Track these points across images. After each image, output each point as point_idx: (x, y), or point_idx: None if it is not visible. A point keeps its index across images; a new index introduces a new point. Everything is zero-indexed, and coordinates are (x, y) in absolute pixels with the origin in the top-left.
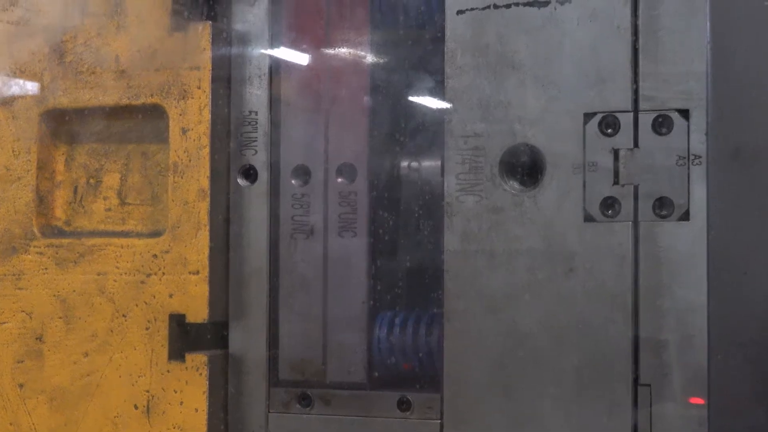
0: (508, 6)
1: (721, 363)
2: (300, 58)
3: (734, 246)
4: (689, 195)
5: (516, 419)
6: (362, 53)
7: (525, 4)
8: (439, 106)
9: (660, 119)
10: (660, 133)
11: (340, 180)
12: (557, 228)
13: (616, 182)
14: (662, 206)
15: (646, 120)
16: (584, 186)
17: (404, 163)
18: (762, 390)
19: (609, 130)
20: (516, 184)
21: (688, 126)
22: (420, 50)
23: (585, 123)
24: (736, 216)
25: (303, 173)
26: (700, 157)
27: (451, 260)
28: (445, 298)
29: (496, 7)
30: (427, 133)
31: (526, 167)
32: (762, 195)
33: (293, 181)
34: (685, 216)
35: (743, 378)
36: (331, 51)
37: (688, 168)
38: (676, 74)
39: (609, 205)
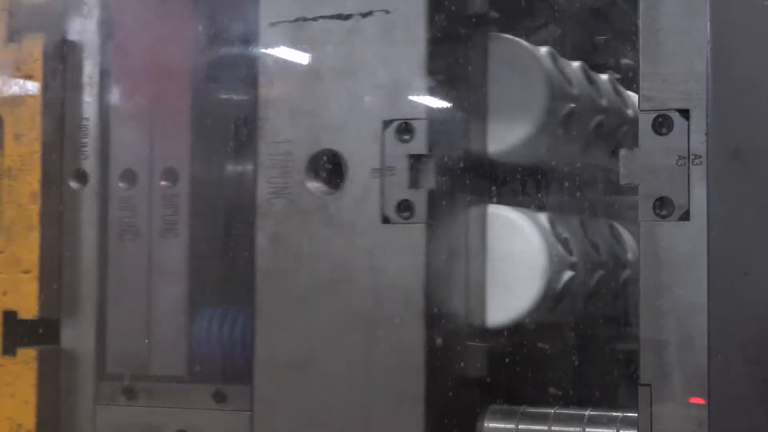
0: (315, 19)
1: (721, 363)
2: (127, 67)
3: (734, 246)
4: (689, 195)
5: (319, 409)
6: (185, 62)
7: (330, 17)
8: (255, 114)
9: (660, 119)
10: (660, 133)
11: (163, 183)
12: (358, 229)
13: (411, 186)
14: (662, 206)
15: (646, 120)
16: (382, 189)
17: (223, 167)
18: (762, 390)
19: (406, 137)
20: (321, 188)
21: (688, 126)
22: (238, 59)
23: (383, 130)
24: (736, 216)
25: (130, 177)
26: (700, 157)
27: (262, 260)
28: (257, 296)
29: (305, 19)
30: (244, 139)
31: (330, 172)
32: (762, 195)
33: (121, 185)
34: (686, 216)
35: (743, 378)
36: (156, 60)
37: (689, 168)
38: (676, 74)
39: (404, 207)
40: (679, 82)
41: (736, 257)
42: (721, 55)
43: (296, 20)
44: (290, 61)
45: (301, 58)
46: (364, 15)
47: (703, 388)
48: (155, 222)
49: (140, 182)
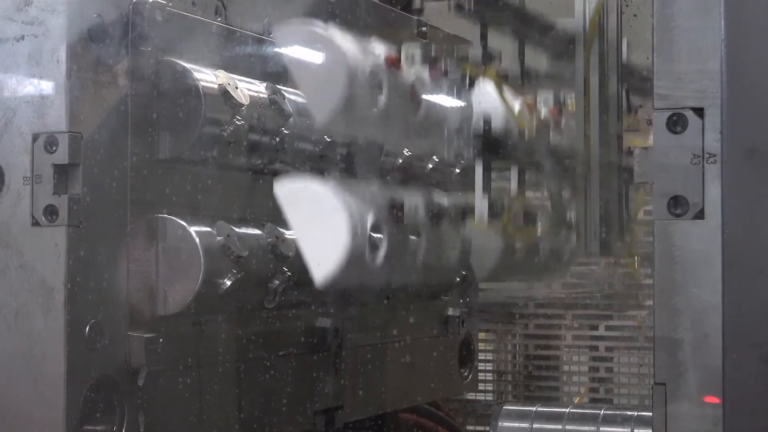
0: None
1: (736, 362)
2: None
3: (749, 245)
4: (704, 193)
5: None
6: None
7: None
8: None
9: (674, 117)
10: (674, 132)
11: None
12: (13, 230)
13: (55, 192)
14: (677, 205)
15: (660, 118)
16: (32, 195)
17: None
18: None
19: (54, 149)
20: None
21: (703, 124)
22: None
23: (33, 142)
24: (751, 214)
25: None
26: (714, 155)
27: None
28: None
29: None
30: None
31: None
32: None
33: None
34: (700, 215)
35: (759, 377)
36: None
37: (703, 166)
38: (691, 72)
39: (51, 211)
40: (693, 80)
41: (751, 256)
42: (736, 53)
43: None
44: None
45: None
46: (18, 40)
47: (718, 387)
48: None
49: None
